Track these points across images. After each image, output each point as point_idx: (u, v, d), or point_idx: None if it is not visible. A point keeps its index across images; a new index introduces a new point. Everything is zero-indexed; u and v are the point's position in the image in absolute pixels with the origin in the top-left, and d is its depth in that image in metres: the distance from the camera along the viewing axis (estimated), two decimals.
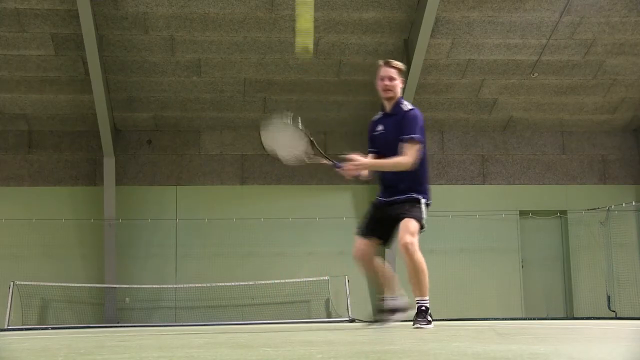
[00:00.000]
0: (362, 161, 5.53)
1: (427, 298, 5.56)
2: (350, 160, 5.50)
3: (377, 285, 5.83)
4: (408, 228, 5.45)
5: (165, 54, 12.66)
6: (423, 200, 5.71)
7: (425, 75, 13.13)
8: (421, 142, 5.54)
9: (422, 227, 5.61)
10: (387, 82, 5.61)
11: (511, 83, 13.64)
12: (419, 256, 5.46)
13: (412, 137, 5.47)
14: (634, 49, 13.14)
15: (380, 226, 5.72)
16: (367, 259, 5.70)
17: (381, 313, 5.76)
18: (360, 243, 5.69)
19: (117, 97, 13.23)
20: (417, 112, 5.65)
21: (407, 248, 5.40)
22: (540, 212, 14.30)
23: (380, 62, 5.74)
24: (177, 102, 13.51)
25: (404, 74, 5.80)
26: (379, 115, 5.86)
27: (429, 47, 12.43)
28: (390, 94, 5.64)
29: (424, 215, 5.66)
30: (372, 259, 5.73)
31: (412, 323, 5.49)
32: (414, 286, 5.56)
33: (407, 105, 5.68)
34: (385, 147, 5.64)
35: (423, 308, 5.50)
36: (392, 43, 12.77)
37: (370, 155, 5.81)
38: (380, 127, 5.74)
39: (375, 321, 5.84)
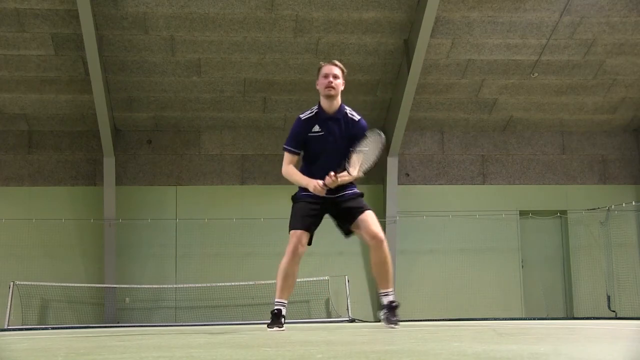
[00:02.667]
0: (340, 179, 5.32)
1: (392, 289, 5.56)
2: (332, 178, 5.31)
3: (288, 288, 5.50)
4: (377, 221, 5.46)
5: (165, 54, 12.66)
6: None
7: (425, 75, 13.13)
8: None
9: None
10: (331, 79, 5.41)
11: (511, 83, 13.64)
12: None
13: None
14: (634, 49, 13.14)
15: (318, 222, 5.56)
16: (300, 255, 5.47)
17: (278, 317, 5.42)
18: (304, 237, 5.46)
19: (117, 97, 13.24)
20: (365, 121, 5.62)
21: (384, 241, 5.39)
22: (540, 212, 14.30)
23: (322, 62, 5.60)
24: (177, 102, 13.51)
25: (346, 77, 5.62)
26: (311, 113, 5.57)
27: (429, 47, 12.42)
28: (332, 92, 5.43)
29: None
30: (300, 257, 5.51)
31: (384, 319, 5.52)
32: (384, 278, 5.49)
33: (354, 113, 5.59)
34: (326, 150, 5.49)
35: (394, 304, 5.53)
36: (392, 43, 12.77)
37: (292, 155, 5.58)
38: (317, 128, 5.50)
39: (274, 324, 5.42)
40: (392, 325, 5.42)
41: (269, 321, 5.43)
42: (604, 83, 13.76)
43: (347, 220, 5.51)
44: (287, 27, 12.34)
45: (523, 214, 14.26)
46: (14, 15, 11.86)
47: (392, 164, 13.52)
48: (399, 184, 13.76)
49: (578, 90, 13.86)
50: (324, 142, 5.48)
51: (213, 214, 13.63)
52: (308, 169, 5.56)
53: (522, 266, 14.21)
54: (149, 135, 13.95)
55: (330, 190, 5.40)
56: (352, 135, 5.44)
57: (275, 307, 5.43)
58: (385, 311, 5.50)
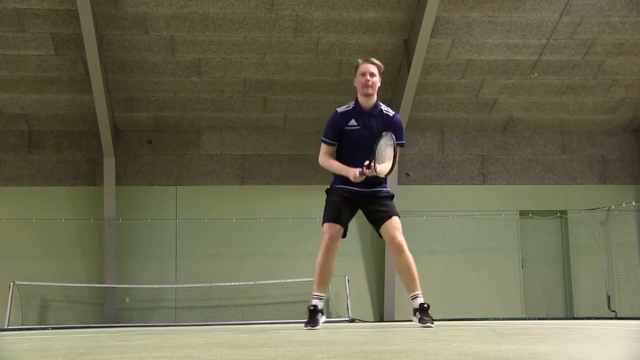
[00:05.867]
0: (365, 173, 5.45)
1: (420, 291, 5.63)
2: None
3: (325, 282, 5.68)
4: (399, 227, 5.60)
5: (165, 54, 12.66)
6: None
7: (425, 75, 13.12)
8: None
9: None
10: (368, 77, 5.56)
11: (511, 83, 13.64)
12: (409, 252, 5.60)
13: (403, 144, 5.62)
14: (634, 49, 13.14)
15: (351, 216, 5.69)
16: (335, 248, 5.61)
17: (315, 312, 5.62)
18: (337, 230, 5.57)
19: (117, 97, 13.24)
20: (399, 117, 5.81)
21: (402, 246, 5.54)
22: (540, 212, 14.30)
23: (360, 60, 5.72)
24: (177, 102, 13.51)
25: (383, 75, 5.81)
26: (348, 108, 5.71)
27: (429, 47, 12.42)
28: (370, 91, 5.58)
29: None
30: (336, 250, 5.64)
31: (417, 320, 5.53)
32: (410, 282, 5.63)
33: (389, 109, 5.76)
34: (359, 142, 5.59)
35: (425, 306, 5.56)
36: (392, 43, 12.77)
37: (328, 146, 5.68)
38: (353, 122, 5.61)
39: (310, 322, 5.60)
40: (428, 325, 5.44)
41: (305, 320, 5.63)
42: (604, 83, 13.76)
43: (375, 222, 5.66)
44: (287, 27, 12.34)
45: (523, 214, 14.25)
46: (14, 15, 11.86)
47: None
48: (399, 184, 13.76)
49: (578, 90, 13.86)
50: (359, 136, 5.59)
51: (213, 214, 13.63)
52: (344, 164, 5.62)
53: (522, 266, 14.21)
54: (149, 135, 13.95)
55: (365, 184, 5.52)
56: (387, 129, 5.54)
57: (312, 303, 5.66)
58: (418, 314, 5.56)
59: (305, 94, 13.47)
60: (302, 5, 11.99)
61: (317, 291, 5.70)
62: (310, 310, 5.65)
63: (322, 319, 5.69)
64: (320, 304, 5.66)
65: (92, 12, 11.41)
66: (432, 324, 5.48)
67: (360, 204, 5.68)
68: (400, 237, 5.53)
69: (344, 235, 5.65)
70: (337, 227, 5.56)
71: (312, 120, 13.97)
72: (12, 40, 12.24)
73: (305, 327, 5.57)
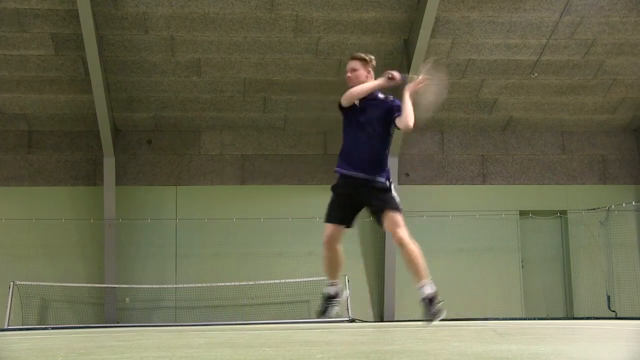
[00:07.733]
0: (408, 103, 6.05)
1: (429, 279, 5.62)
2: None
3: (330, 270, 6.00)
4: (397, 222, 5.68)
5: (165, 54, 12.66)
6: (393, 187, 5.91)
7: None
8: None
9: (401, 211, 5.79)
10: (349, 74, 6.05)
11: (511, 83, 13.64)
12: (414, 245, 5.67)
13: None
14: (634, 49, 13.14)
15: (347, 211, 5.89)
16: (336, 245, 5.88)
17: (327, 300, 6.12)
18: (332, 230, 5.83)
19: (117, 97, 13.23)
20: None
21: (402, 241, 5.63)
22: (540, 212, 14.30)
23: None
24: (177, 102, 13.51)
25: (370, 64, 6.11)
26: None
27: (429, 47, 12.42)
28: (350, 84, 6.03)
29: (398, 199, 5.85)
30: (338, 244, 5.92)
31: (426, 320, 5.48)
32: (414, 273, 5.66)
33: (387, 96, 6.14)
34: (363, 125, 6.04)
35: (431, 297, 5.51)
36: (392, 43, 12.77)
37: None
38: (357, 103, 6.06)
39: (323, 311, 6.15)
40: (429, 320, 5.43)
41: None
42: (604, 83, 13.76)
43: (374, 215, 5.85)
44: (287, 27, 12.34)
45: (523, 214, 14.25)
46: (14, 15, 11.86)
47: (392, 164, 13.47)
48: (399, 184, 13.74)
49: (578, 90, 13.86)
50: (359, 117, 6.08)
51: (213, 214, 13.62)
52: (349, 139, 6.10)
53: (522, 266, 14.21)
54: (149, 135, 13.95)
55: (361, 169, 5.80)
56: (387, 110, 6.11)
57: (324, 291, 6.13)
58: (423, 308, 5.51)
59: (305, 94, 13.46)
60: (302, 5, 11.99)
61: (329, 278, 6.07)
62: (323, 299, 6.13)
63: (336, 308, 6.12)
64: (331, 290, 6.09)
65: (92, 12, 11.41)
66: (436, 318, 5.41)
67: (357, 196, 5.82)
68: (399, 232, 5.63)
69: (349, 226, 5.88)
70: (331, 227, 5.81)
71: (312, 120, 13.97)
72: (12, 40, 12.24)
73: (317, 317, 6.13)
